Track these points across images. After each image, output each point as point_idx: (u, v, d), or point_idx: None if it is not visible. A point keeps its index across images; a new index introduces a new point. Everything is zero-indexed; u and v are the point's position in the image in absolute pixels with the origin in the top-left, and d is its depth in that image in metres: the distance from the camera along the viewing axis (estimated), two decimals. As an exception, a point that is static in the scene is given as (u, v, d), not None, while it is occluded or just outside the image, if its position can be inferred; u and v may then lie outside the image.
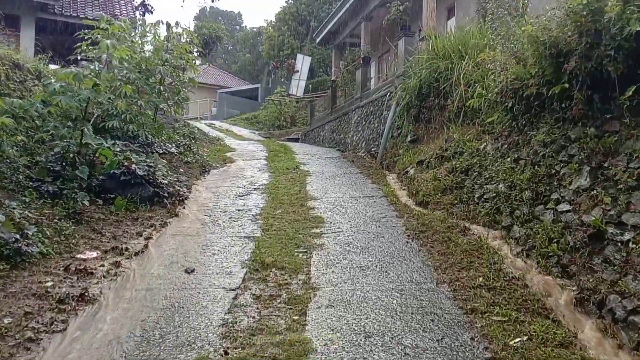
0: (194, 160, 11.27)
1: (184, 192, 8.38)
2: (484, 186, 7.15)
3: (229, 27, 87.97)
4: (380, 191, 8.97)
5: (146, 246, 5.97)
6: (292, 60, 34.55)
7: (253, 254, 5.69)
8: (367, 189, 9.27)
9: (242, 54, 69.72)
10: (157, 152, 10.18)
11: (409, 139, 12.01)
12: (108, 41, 7.00)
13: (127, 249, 5.89)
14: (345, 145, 18.15)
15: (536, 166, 6.15)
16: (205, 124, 30.84)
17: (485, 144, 7.97)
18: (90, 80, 6.76)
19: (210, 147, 14.81)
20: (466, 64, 10.38)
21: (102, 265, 5.34)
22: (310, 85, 34.94)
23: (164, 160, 9.65)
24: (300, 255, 5.67)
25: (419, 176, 9.34)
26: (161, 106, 11.42)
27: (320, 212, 7.51)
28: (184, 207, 7.91)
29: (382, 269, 5.16)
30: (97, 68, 7.40)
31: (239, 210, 7.75)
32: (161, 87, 10.53)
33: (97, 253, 5.76)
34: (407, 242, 6.02)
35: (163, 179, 8.18)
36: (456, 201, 7.54)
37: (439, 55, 11.34)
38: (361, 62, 17.94)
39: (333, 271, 5.14)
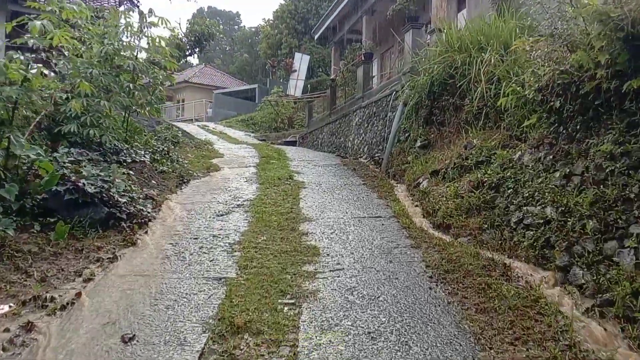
0: (171, 170, 9.73)
1: (149, 212, 6.84)
2: (523, 208, 5.61)
3: (227, 27, 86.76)
4: (388, 209, 7.43)
5: (79, 295, 4.43)
6: (290, 59, 33.04)
7: (221, 308, 4.15)
8: (373, 205, 7.73)
9: (239, 54, 68.30)
10: (124, 161, 8.65)
11: (418, 144, 10.48)
12: (39, 22, 5.45)
13: (52, 299, 4.36)
14: (346, 150, 16.61)
15: (601, 186, 4.61)
16: (198, 125, 29.34)
17: (519, 153, 6.43)
18: (18, 74, 5.22)
19: (195, 152, 13.27)
20: (488, 56, 8.86)
21: (6, 330, 3.80)
22: (309, 86, 33.43)
23: (131, 172, 8.12)
24: (286, 309, 4.13)
25: (434, 190, 7.80)
26: (134, 107, 9.87)
27: (315, 240, 5.96)
28: (147, 232, 6.38)
29: (400, 337, 3.62)
30: (26, 59, 5.82)
31: (213, 236, 6.21)
32: (131, 85, 8.99)
33: (10, 306, 4.23)
34: (431, 289, 4.48)
35: (122, 196, 6.64)
36: (486, 225, 6.01)
37: (454, 48, 9.81)
38: (362, 58, 16.43)
39: (330, 341, 3.60)
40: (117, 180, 6.77)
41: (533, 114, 6.32)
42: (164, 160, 10.13)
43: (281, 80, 39.71)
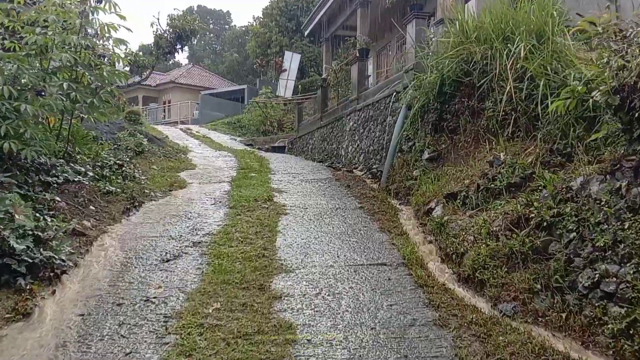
0: (121, 190, 7.82)
1: (63, 261, 4.92)
2: (599, 266, 3.77)
3: (217, 26, 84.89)
4: (394, 250, 5.56)
5: None
6: (280, 58, 31.12)
7: None
8: (374, 243, 5.84)
9: (229, 53, 66.36)
10: (54, 182, 6.74)
11: (426, 155, 8.62)
12: None
13: None
14: (339, 158, 14.74)
15: None
16: (181, 129, 27.39)
17: (581, 179, 4.57)
18: None
19: (163, 163, 11.35)
20: (517, 48, 7.02)
21: None
22: (299, 86, 31.53)
23: (59, 197, 6.22)
24: None
25: (453, 221, 5.94)
26: (77, 112, 7.93)
27: (293, 310, 4.07)
28: (54, 291, 4.48)
29: None
30: None
31: (146, 301, 4.31)
32: (65, 84, 7.06)
33: None
34: None
35: (24, 237, 4.73)
36: (538, 286, 4.15)
37: (471, 39, 7.96)
38: (357, 55, 14.56)
39: None
40: (18, 215, 4.85)
41: (604, 124, 4.46)
42: (114, 178, 8.20)
43: (272, 81, 37.79)
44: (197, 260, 5.24)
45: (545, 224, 4.50)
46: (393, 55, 17.60)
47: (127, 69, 24.88)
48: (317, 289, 4.43)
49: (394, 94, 11.15)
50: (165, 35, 23.47)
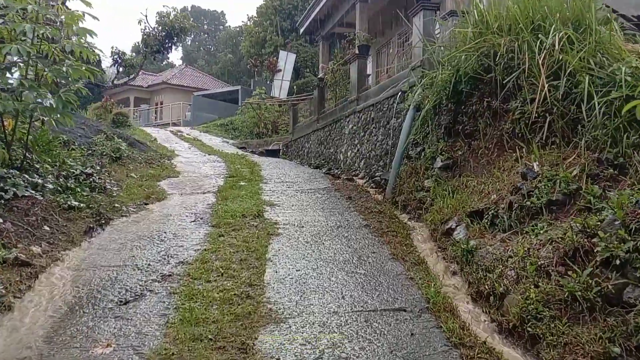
0: (86, 204, 6.69)
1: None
2: None
3: (212, 27, 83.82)
4: (413, 287, 4.44)
5: None
6: (274, 58, 30.05)
7: None
8: (387, 278, 4.71)
9: (224, 54, 65.22)
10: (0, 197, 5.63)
11: (439, 163, 7.54)
12: None
13: None
14: (337, 163, 13.65)
15: None
16: (171, 131, 26.29)
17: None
18: None
19: (143, 170, 10.22)
20: (551, 39, 5.95)
21: None
22: (294, 87, 30.45)
23: (5, 216, 5.10)
24: None
25: (484, 248, 4.85)
26: (39, 114, 6.79)
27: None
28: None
29: None
30: None
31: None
32: (16, 81, 5.94)
33: None
34: None
35: None
36: (616, 350, 3.07)
37: (492, 29, 6.89)
38: (357, 52, 13.48)
39: None
40: None
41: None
42: (79, 190, 7.08)
43: (267, 82, 36.71)
44: (164, 302, 4.12)
45: (617, 261, 3.41)
46: (395, 54, 16.54)
47: (113, 68, 23.79)
48: (317, 350, 3.32)
49: (399, 93, 10.08)
50: (154, 33, 22.29)
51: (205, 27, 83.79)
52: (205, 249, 5.38)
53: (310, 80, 29.57)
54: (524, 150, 6.02)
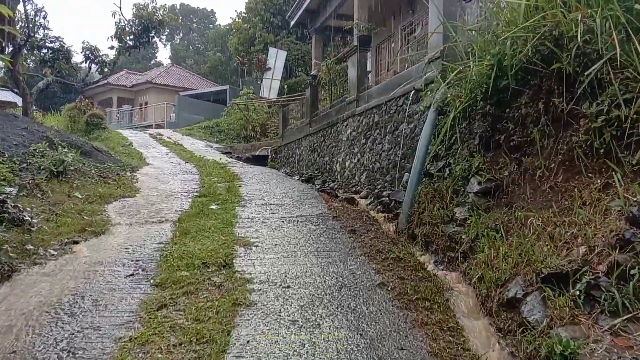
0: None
1: None
2: None
3: (201, 25, 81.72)
4: None
5: None
6: (263, 55, 27.98)
7: None
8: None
9: (212, 53, 63.06)
10: None
11: (476, 186, 5.55)
12: None
13: None
14: (332, 175, 11.64)
15: None
16: (151, 134, 24.15)
17: None
18: None
19: (93, 187, 8.17)
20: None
21: None
22: (286, 87, 28.39)
23: None
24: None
25: (589, 352, 2.86)
26: None
27: None
28: None
29: None
30: None
31: None
32: None
33: None
34: None
35: None
36: None
37: (558, 1, 4.88)
38: (357, 44, 11.47)
39: None
40: None
41: None
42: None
43: (257, 81, 34.65)
44: None
45: None
46: (398, 49, 14.57)
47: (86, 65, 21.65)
48: None
49: (412, 92, 8.10)
50: (130, 26, 20.18)
51: (195, 25, 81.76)
52: (130, 339, 3.34)
53: (302, 80, 27.54)
54: (613, 174, 4.05)
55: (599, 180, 4.22)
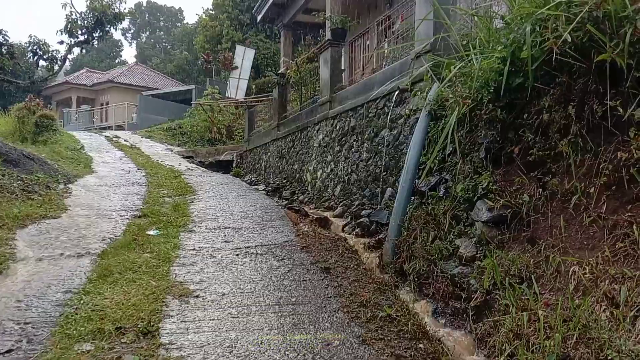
0: None
1: None
2: None
3: (168, 23, 79.47)
4: None
5: None
6: (230, 54, 26.47)
7: None
8: None
9: (179, 51, 61.01)
10: None
11: (485, 214, 4.30)
12: None
13: None
14: (303, 185, 10.32)
15: None
16: (106, 136, 22.37)
17: None
18: None
19: (4, 207, 6.63)
20: None
21: None
22: (254, 87, 26.91)
23: None
24: None
25: None
26: None
27: None
28: None
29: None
30: None
31: None
32: None
33: None
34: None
35: None
36: None
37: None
38: (330, 38, 10.18)
39: None
40: None
41: None
42: None
43: (226, 81, 33.06)
44: None
45: None
46: (374, 46, 13.34)
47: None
48: None
49: (395, 93, 6.84)
50: (82, 19, 18.40)
51: (162, 23, 79.48)
52: None
53: (272, 79, 26.13)
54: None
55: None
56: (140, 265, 4.57)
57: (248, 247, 5.19)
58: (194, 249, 5.14)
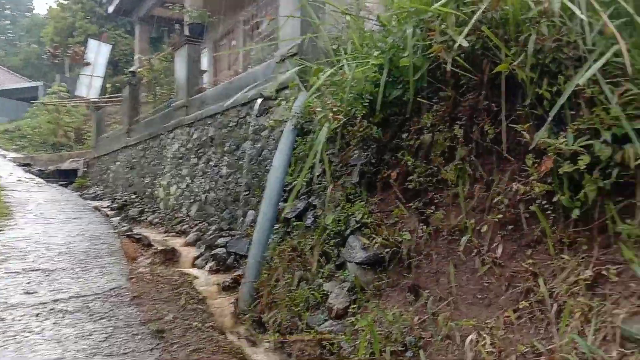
0: None
1: None
2: None
3: (17, 13, 71.11)
4: None
5: None
6: (81, 48, 23.71)
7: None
8: None
9: (27, 44, 54.53)
10: None
11: (360, 254, 3.50)
12: None
13: None
14: (154, 202, 8.96)
15: None
16: None
17: None
18: None
19: None
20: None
21: None
22: (110, 85, 24.34)
23: None
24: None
25: None
26: None
27: None
28: None
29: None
30: None
31: None
32: None
33: None
34: None
35: None
36: None
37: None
38: (187, 35, 8.95)
39: None
40: None
41: None
42: None
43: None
44: None
45: None
46: (240, 46, 12.31)
47: None
48: None
49: (259, 101, 5.88)
50: None
51: (8, 12, 70.88)
52: None
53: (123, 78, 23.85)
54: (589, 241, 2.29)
55: (572, 261, 2.44)
56: None
57: (57, 301, 3.87)
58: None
